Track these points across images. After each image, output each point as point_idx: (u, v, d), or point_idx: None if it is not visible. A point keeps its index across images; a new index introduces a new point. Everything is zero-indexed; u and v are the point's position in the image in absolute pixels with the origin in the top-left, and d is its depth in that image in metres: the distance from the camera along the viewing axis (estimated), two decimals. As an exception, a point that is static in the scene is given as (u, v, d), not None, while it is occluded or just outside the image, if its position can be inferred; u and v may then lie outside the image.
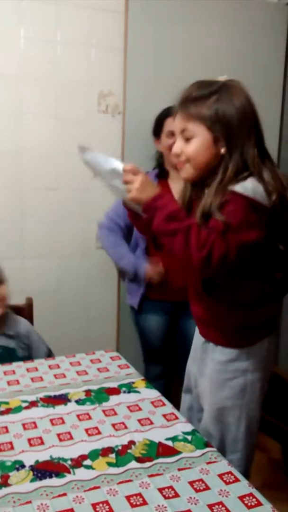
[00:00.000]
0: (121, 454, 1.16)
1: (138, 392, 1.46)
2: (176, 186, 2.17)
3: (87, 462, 1.13)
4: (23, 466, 1.11)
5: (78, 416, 1.32)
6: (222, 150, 1.24)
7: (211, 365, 1.42)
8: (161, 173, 2.19)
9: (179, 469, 1.11)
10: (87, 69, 2.33)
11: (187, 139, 1.27)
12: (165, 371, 2.31)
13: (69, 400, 1.40)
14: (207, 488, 1.05)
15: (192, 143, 1.26)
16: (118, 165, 1.27)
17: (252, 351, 1.37)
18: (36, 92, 2.27)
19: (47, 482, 1.06)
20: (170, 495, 1.02)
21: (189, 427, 1.28)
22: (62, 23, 2.25)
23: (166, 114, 2.11)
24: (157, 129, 2.16)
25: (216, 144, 1.24)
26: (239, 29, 2.49)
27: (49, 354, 1.92)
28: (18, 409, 1.35)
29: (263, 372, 1.39)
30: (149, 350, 2.30)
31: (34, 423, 1.29)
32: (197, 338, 1.51)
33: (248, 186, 1.19)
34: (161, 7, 2.34)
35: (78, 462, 1.13)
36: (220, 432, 1.41)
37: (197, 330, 1.52)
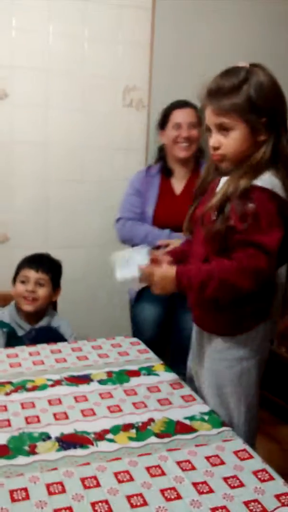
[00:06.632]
0: (141, 430, 1.22)
1: (157, 375, 1.52)
2: (179, 185, 2.21)
3: (109, 436, 1.20)
4: (49, 437, 1.19)
5: (100, 394, 1.39)
6: (261, 138, 1.28)
7: (208, 355, 1.45)
8: (165, 170, 2.21)
9: (196, 445, 1.17)
10: (113, 64, 2.39)
11: (224, 133, 1.29)
12: None
13: (92, 380, 1.47)
14: (222, 463, 1.11)
15: (230, 137, 1.28)
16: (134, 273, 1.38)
17: (247, 339, 1.39)
18: (63, 86, 2.34)
19: (71, 452, 1.13)
20: (187, 468, 1.08)
21: (206, 408, 1.34)
22: (89, 19, 2.31)
23: (173, 106, 2.15)
24: (163, 121, 2.18)
25: (254, 134, 1.27)
26: (264, 26, 2.53)
27: None
28: (43, 387, 1.43)
29: (259, 358, 1.42)
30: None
31: (59, 399, 1.36)
32: (194, 329, 1.55)
33: (267, 180, 1.26)
34: (188, 3, 2.39)
35: (100, 436, 1.20)
36: (225, 416, 1.43)
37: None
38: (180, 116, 2.12)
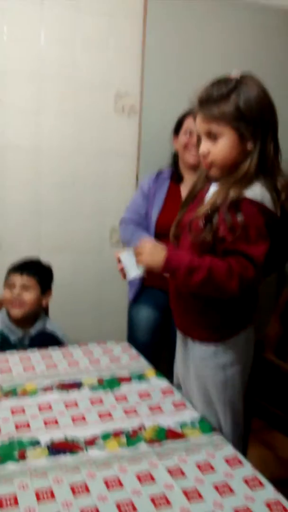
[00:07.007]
0: (132, 437, 1.22)
1: (148, 381, 1.52)
2: (187, 192, 2.21)
3: (100, 442, 1.19)
4: (38, 443, 1.18)
5: (91, 400, 1.38)
6: (249, 147, 1.29)
7: (193, 361, 1.45)
8: (175, 176, 2.23)
9: (186, 452, 1.16)
10: (104, 70, 2.40)
11: (213, 140, 1.31)
12: None
13: (83, 386, 1.46)
14: (212, 469, 1.10)
15: (219, 143, 1.30)
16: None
17: (229, 346, 1.39)
18: (55, 92, 2.34)
19: (61, 458, 1.12)
20: (178, 475, 1.08)
21: (196, 414, 1.33)
22: (81, 25, 2.31)
23: (188, 112, 2.16)
24: (177, 126, 2.20)
25: (243, 142, 1.29)
26: (254, 32, 2.54)
27: None
28: (34, 393, 1.42)
29: (242, 365, 1.42)
30: (133, 344, 2.31)
31: (50, 405, 1.35)
32: (178, 336, 1.54)
33: (257, 192, 1.27)
34: (179, 9, 2.39)
35: (91, 442, 1.19)
36: (214, 422, 1.42)
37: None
38: (192, 123, 2.11)
